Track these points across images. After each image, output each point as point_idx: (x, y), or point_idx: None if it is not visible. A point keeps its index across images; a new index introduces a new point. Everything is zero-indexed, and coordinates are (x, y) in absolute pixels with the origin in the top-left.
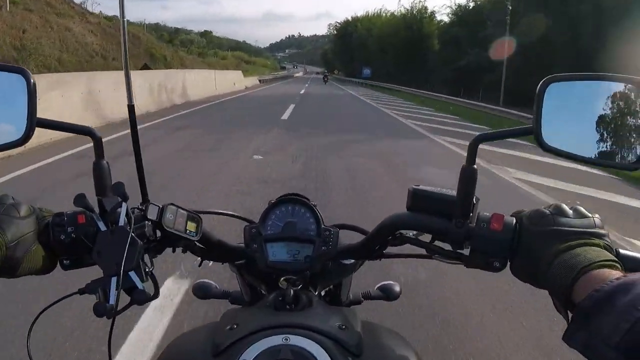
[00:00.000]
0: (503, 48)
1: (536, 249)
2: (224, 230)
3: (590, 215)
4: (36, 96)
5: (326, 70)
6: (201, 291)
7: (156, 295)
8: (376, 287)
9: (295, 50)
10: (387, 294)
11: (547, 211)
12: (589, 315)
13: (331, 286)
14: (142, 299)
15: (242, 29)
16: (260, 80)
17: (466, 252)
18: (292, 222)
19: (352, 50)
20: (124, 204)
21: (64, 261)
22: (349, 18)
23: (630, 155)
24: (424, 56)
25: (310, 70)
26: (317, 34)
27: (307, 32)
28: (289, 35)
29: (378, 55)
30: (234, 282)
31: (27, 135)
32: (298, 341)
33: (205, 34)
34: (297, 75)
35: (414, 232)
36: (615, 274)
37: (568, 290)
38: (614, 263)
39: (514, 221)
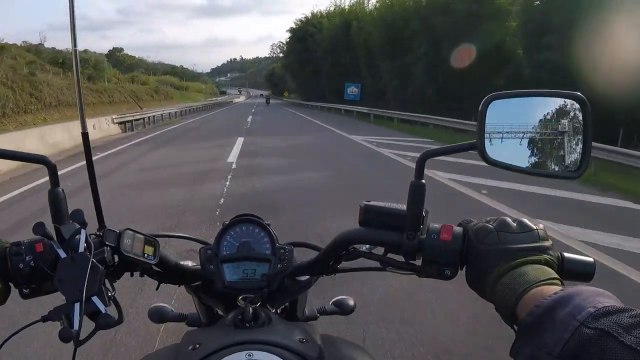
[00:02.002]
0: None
1: (482, 267)
2: (175, 250)
3: (534, 227)
4: None
5: (271, 93)
6: (157, 315)
7: (120, 319)
8: (331, 302)
9: (237, 73)
10: (342, 309)
11: (492, 227)
12: (532, 330)
13: (287, 304)
14: (107, 323)
15: (184, 55)
16: (124, 124)
17: (418, 262)
18: (247, 242)
19: (316, 60)
20: (82, 231)
21: (24, 290)
22: (309, 15)
23: (571, 165)
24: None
25: (254, 94)
26: (260, 56)
27: (249, 55)
28: (231, 59)
29: (367, 63)
30: (188, 304)
31: None
32: (261, 356)
33: (113, 53)
34: (237, 101)
35: (367, 246)
36: (554, 288)
37: (512, 309)
38: (553, 280)
39: (462, 231)
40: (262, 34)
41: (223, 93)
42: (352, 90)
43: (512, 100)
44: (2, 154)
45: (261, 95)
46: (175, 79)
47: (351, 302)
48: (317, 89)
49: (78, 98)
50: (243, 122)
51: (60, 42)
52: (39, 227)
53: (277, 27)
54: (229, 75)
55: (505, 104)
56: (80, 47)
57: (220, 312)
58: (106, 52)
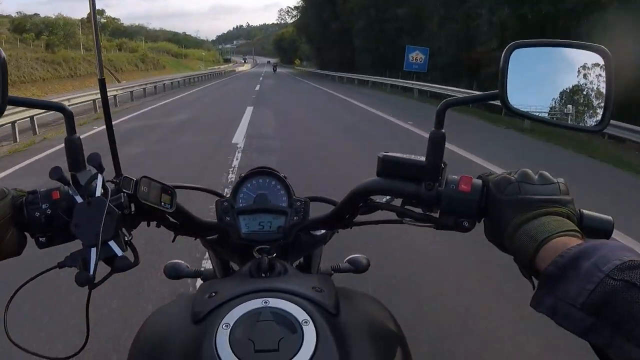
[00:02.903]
0: None
1: (502, 217)
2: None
3: (555, 181)
4: (7, 74)
5: (279, 61)
6: (173, 271)
7: (137, 262)
8: (345, 260)
9: (243, 40)
10: (355, 267)
11: (513, 178)
12: (554, 280)
13: (301, 259)
14: (123, 266)
15: (189, 23)
16: None
17: (436, 214)
18: (264, 194)
19: (345, 16)
20: (99, 176)
21: (40, 239)
22: None
23: (592, 118)
24: None
25: (260, 62)
26: (267, 23)
27: (255, 22)
28: (237, 26)
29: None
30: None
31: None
32: (277, 303)
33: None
34: (241, 70)
35: (385, 199)
36: (576, 240)
37: (531, 258)
38: (575, 232)
39: (481, 183)
40: (269, 1)
41: (227, 61)
42: (416, 57)
43: (535, 49)
44: (19, 102)
45: (268, 62)
46: (174, 45)
47: (365, 261)
48: (344, 55)
49: (96, 46)
50: (242, 105)
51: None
52: (55, 172)
53: None
54: (234, 42)
55: (528, 53)
56: (82, 14)
57: (235, 268)
58: (85, 16)
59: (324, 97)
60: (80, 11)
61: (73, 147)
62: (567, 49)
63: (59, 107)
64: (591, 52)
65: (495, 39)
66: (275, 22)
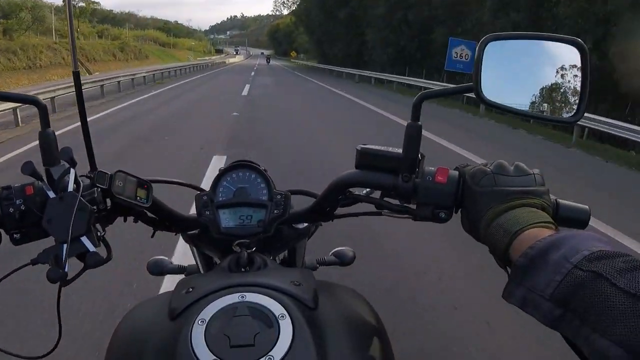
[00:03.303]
0: None
1: (477, 209)
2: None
3: (530, 172)
4: None
5: (273, 53)
6: (156, 268)
7: (109, 257)
8: (330, 253)
9: (237, 31)
10: (341, 259)
11: (488, 169)
12: (524, 271)
13: (285, 253)
14: (95, 261)
15: (182, 12)
16: None
17: (413, 206)
18: (244, 188)
19: (356, 3)
20: (72, 170)
21: (14, 235)
22: None
23: (567, 110)
24: None
25: (254, 54)
26: (262, 14)
27: (250, 12)
28: (231, 16)
29: None
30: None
31: None
32: (254, 298)
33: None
34: (232, 61)
35: (365, 191)
36: (549, 232)
37: (505, 250)
38: (548, 223)
39: (457, 174)
40: None
41: (219, 52)
42: (461, 53)
43: (510, 42)
44: None
45: (262, 54)
46: (162, 34)
47: (351, 254)
48: (351, 48)
49: (71, 40)
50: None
51: None
52: (27, 167)
53: None
54: (228, 33)
55: (504, 46)
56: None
57: (218, 261)
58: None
59: (353, 111)
60: None
61: (47, 141)
62: (543, 41)
63: (32, 100)
64: (567, 45)
65: (586, 34)
66: (270, 13)
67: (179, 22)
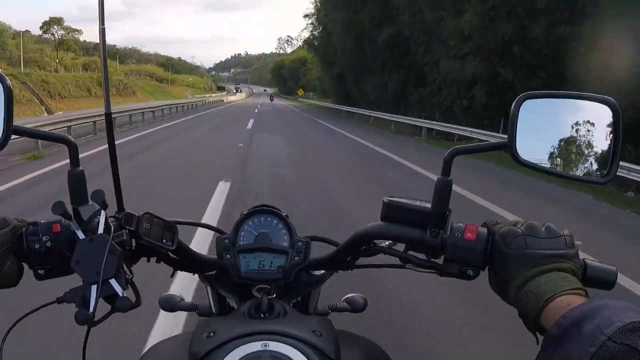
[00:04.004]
0: None
1: (507, 271)
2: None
3: (561, 233)
4: (13, 102)
5: (277, 91)
6: (168, 304)
7: (138, 302)
8: (342, 299)
9: (241, 69)
10: (353, 306)
11: (520, 230)
12: (557, 341)
13: (299, 298)
14: (125, 306)
15: (188, 50)
16: None
17: (439, 261)
18: (265, 233)
19: (398, 16)
20: (102, 212)
21: (39, 271)
22: None
23: (599, 169)
24: None
25: (257, 92)
26: (265, 52)
27: (254, 51)
28: (235, 54)
29: None
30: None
31: (3, 143)
32: (277, 347)
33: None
34: (231, 100)
35: (387, 243)
36: (580, 300)
37: (536, 317)
38: (579, 290)
39: (487, 232)
40: (268, 30)
41: (221, 89)
42: None
43: (544, 101)
44: (23, 132)
45: (264, 91)
46: (159, 69)
47: (363, 300)
48: (392, 84)
49: (104, 81)
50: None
51: None
52: (58, 207)
53: (284, 24)
54: (232, 70)
55: (538, 104)
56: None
57: (232, 304)
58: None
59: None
60: (23, 17)
61: (76, 180)
62: (577, 100)
63: (63, 139)
64: (600, 104)
65: None
66: (274, 51)
67: (182, 58)
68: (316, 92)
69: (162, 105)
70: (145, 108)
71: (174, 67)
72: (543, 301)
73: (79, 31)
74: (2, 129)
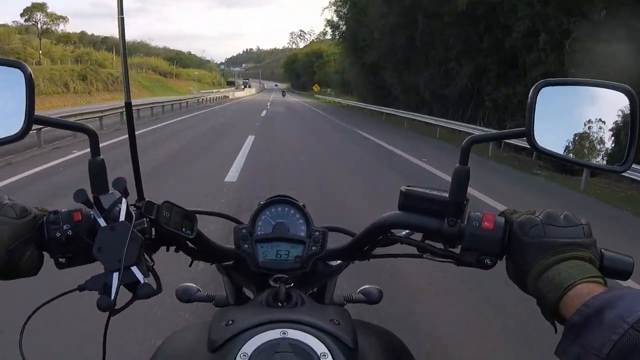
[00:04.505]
0: None
1: (525, 259)
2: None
3: (579, 222)
4: (34, 91)
5: (290, 86)
6: (185, 295)
7: (159, 289)
8: (358, 290)
9: (253, 64)
10: (368, 298)
11: (538, 219)
12: (579, 329)
13: (315, 288)
14: (146, 293)
15: (199, 45)
16: None
17: (457, 250)
18: (283, 223)
19: None
20: (124, 200)
21: (60, 259)
22: None
23: (616, 157)
24: None
25: (269, 87)
26: (277, 47)
27: (266, 46)
28: (247, 49)
29: None
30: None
31: (25, 131)
32: (295, 335)
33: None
34: (238, 97)
35: (404, 232)
36: (599, 288)
37: (555, 304)
38: (598, 278)
39: (504, 221)
40: (280, 25)
41: (230, 84)
42: None
43: (562, 88)
44: (44, 121)
45: (275, 86)
46: (164, 62)
47: (378, 292)
48: (460, 77)
49: (123, 71)
50: None
51: None
52: (79, 195)
53: (297, 18)
54: (243, 65)
55: (555, 91)
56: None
57: (248, 295)
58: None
59: None
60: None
61: (97, 168)
62: (594, 87)
63: (83, 128)
64: (617, 92)
65: None
66: (286, 46)
67: (192, 52)
68: (334, 87)
69: (140, 105)
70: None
71: (182, 62)
72: (562, 289)
73: (64, 19)
74: (24, 118)
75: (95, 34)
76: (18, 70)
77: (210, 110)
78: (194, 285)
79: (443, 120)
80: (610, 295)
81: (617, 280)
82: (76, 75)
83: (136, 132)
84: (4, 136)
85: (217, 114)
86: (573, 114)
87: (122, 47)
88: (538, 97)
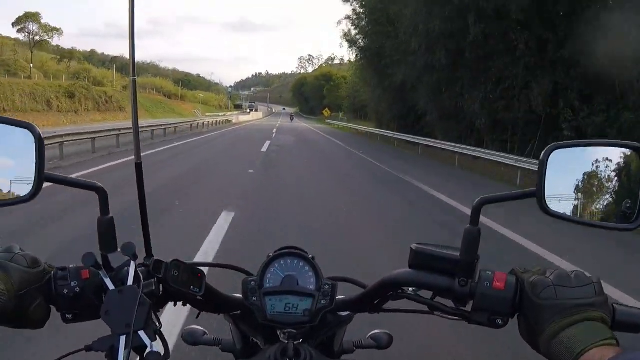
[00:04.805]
0: None
1: (538, 322)
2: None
3: (591, 281)
4: (44, 152)
5: (298, 110)
6: (191, 337)
7: (167, 355)
8: (367, 336)
9: (261, 88)
10: (378, 343)
11: (549, 280)
12: None
13: (324, 337)
14: (153, 359)
15: (209, 68)
16: None
17: (467, 308)
18: (292, 276)
19: None
20: (132, 263)
21: (66, 315)
22: None
23: (628, 215)
24: None
25: (277, 111)
26: (286, 72)
27: (275, 70)
28: (256, 73)
29: None
30: (223, 328)
31: (35, 192)
32: None
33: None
34: (243, 120)
35: (413, 288)
36: (612, 351)
37: None
38: (610, 340)
39: (515, 280)
40: (289, 50)
41: (238, 107)
42: None
43: (574, 150)
44: (54, 180)
45: (284, 109)
46: (169, 83)
47: (388, 337)
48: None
49: (134, 129)
50: None
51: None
52: (88, 259)
53: (305, 44)
54: (252, 89)
55: (566, 154)
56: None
57: (257, 342)
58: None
59: None
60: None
61: (106, 227)
62: (605, 147)
63: (94, 187)
64: (627, 150)
65: None
66: (295, 70)
67: (201, 75)
68: (346, 112)
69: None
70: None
71: (191, 84)
72: (575, 354)
73: (58, 30)
74: (34, 179)
75: (106, 53)
76: (27, 132)
77: (204, 139)
78: (201, 328)
79: (513, 157)
80: (621, 359)
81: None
82: (62, 92)
83: (76, 174)
84: (14, 197)
85: (207, 146)
86: (584, 174)
87: (133, 109)
88: (549, 160)
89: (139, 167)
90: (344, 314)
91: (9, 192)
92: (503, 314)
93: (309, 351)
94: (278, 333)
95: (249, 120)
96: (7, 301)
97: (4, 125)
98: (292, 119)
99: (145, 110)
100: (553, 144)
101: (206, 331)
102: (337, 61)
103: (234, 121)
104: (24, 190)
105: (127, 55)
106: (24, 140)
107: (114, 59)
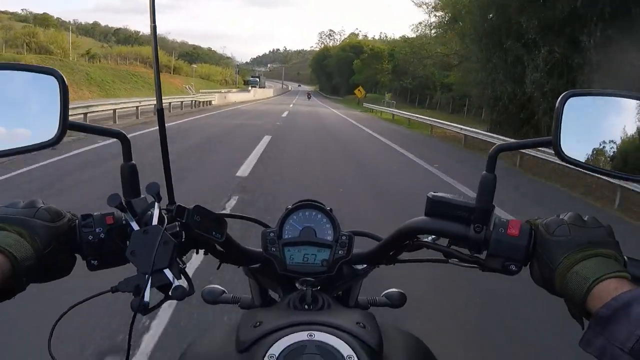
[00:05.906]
0: None
1: (551, 258)
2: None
3: (603, 225)
4: (68, 98)
5: (317, 88)
6: (211, 296)
7: (192, 290)
8: (382, 294)
9: (278, 64)
10: (392, 301)
11: (563, 219)
12: (605, 322)
13: (340, 291)
14: (180, 294)
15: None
16: None
17: (482, 256)
18: (310, 227)
19: None
20: (156, 204)
21: (92, 262)
22: None
23: None
24: None
25: (294, 90)
26: (305, 49)
27: (293, 46)
28: (274, 49)
29: None
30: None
31: (59, 137)
32: (322, 337)
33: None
34: (234, 101)
35: (430, 238)
36: (627, 284)
37: (582, 299)
38: (624, 273)
39: (529, 228)
40: (309, 25)
41: (246, 83)
42: None
43: (590, 98)
44: (78, 127)
45: (299, 86)
46: (162, 54)
47: (401, 296)
48: None
49: (155, 76)
50: None
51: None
52: (113, 199)
53: (326, 21)
54: (268, 65)
55: (583, 102)
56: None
57: (273, 297)
58: None
59: None
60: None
61: (129, 173)
62: (622, 98)
63: (116, 134)
64: None
65: None
66: (314, 47)
67: (212, 48)
68: (388, 91)
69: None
70: None
71: (200, 57)
72: (590, 283)
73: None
74: (58, 125)
75: (110, 25)
76: (52, 77)
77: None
78: (220, 287)
79: None
80: (638, 291)
81: None
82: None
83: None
84: (40, 142)
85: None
86: (601, 123)
87: (154, 54)
88: (565, 107)
89: (160, 113)
90: (360, 267)
91: (34, 138)
92: (517, 260)
93: (326, 298)
94: (296, 285)
95: (249, 100)
96: (36, 261)
97: (27, 72)
98: (309, 98)
99: (98, 86)
100: (569, 91)
101: (225, 290)
102: (360, 37)
103: (215, 103)
104: (48, 136)
105: (130, 28)
106: (49, 87)
107: (117, 31)
